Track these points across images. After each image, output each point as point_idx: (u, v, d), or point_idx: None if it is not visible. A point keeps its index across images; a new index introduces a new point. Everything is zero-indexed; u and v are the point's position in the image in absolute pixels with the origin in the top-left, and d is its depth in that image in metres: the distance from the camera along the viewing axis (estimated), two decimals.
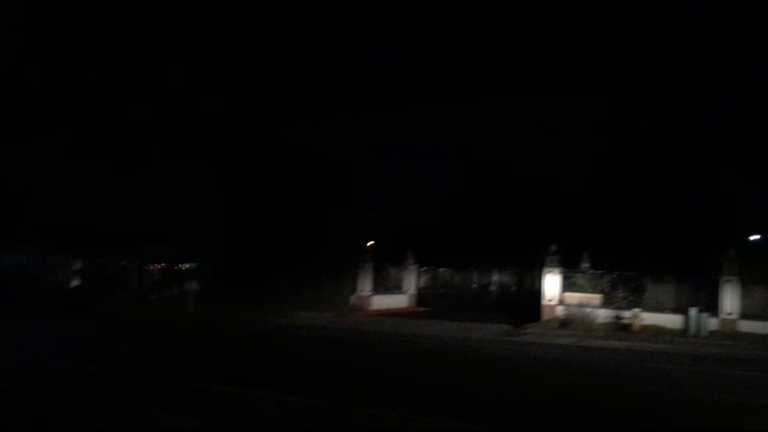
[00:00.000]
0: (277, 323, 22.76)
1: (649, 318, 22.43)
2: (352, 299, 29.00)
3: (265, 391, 9.78)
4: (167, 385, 10.33)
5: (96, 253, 33.63)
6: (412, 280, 31.94)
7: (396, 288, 31.40)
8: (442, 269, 32.06)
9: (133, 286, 31.65)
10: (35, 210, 36.53)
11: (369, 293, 29.11)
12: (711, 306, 22.25)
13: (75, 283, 33.33)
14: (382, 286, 30.44)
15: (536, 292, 25.48)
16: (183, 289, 28.86)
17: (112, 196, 34.07)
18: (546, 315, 24.27)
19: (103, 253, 33.75)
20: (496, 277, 31.67)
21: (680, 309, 22.44)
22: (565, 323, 23.01)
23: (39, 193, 36.36)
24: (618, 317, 22.73)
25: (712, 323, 21.71)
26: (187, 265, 33.01)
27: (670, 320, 22.45)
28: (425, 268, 31.95)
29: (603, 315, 23.15)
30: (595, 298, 23.76)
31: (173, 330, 19.93)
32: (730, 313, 22.18)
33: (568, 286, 24.64)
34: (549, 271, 24.83)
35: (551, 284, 24.73)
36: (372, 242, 29.61)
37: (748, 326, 21.74)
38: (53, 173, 34.78)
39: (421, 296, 31.79)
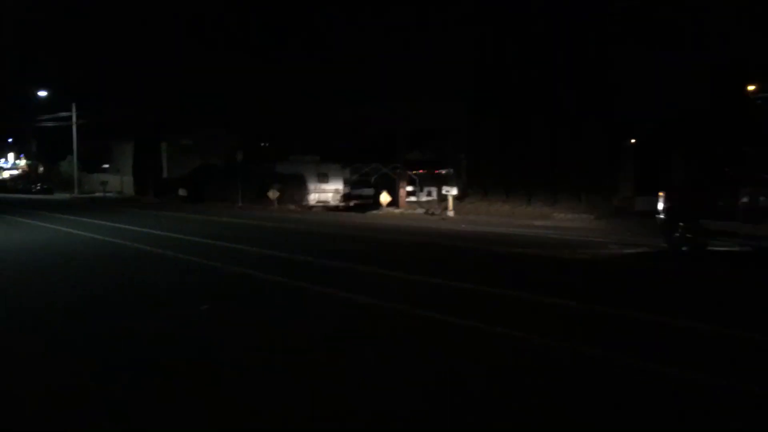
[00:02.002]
0: (536, 225, 22.95)
1: None
2: (614, 201, 27.88)
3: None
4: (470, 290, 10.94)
5: (362, 161, 36.53)
6: (679, 179, 29.59)
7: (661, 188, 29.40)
8: (713, 165, 29.08)
9: (396, 192, 33.94)
10: (308, 125, 40.43)
11: (630, 194, 27.69)
12: None
13: (345, 190, 36.77)
14: (646, 186, 28.70)
15: None
16: (443, 193, 30.18)
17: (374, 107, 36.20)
18: None
19: (369, 161, 36.52)
20: None
21: None
22: None
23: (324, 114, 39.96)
24: None
25: None
26: (444, 171, 34.35)
27: None
28: (694, 164, 29.25)
29: None
30: None
31: (441, 235, 20.98)
32: None
33: None
34: None
35: None
36: (633, 140, 27.80)
37: None
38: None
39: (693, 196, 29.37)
